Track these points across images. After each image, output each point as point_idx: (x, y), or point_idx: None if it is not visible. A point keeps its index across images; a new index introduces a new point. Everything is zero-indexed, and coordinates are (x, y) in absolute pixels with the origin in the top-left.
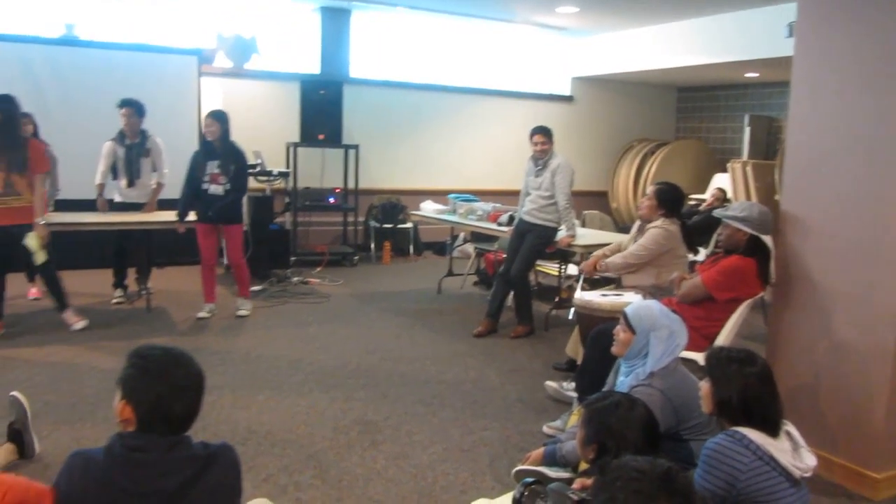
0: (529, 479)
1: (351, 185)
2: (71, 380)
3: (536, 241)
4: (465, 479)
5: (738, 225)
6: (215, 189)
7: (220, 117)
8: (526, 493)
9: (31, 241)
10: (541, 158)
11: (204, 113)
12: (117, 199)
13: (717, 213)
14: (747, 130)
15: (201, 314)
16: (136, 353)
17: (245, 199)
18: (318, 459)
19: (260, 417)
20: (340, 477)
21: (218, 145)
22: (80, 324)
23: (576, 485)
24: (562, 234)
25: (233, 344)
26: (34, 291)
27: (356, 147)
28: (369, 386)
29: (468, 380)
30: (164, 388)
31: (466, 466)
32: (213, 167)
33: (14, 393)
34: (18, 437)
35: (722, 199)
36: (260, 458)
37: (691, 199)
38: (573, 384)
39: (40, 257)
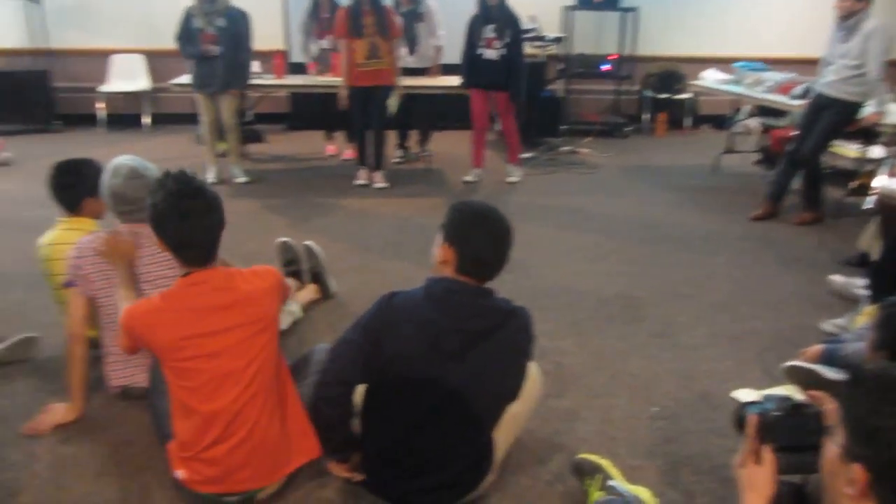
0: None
1: (627, 51)
2: (360, 229)
3: (836, 117)
4: (730, 367)
5: None
6: (490, 54)
7: None
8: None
9: (392, 101)
10: (848, 19)
11: None
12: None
13: None
14: None
15: (467, 178)
16: (460, 203)
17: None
18: (580, 328)
19: (526, 282)
20: (600, 348)
21: (495, 9)
22: (382, 184)
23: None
24: (868, 110)
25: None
26: (331, 149)
27: (635, 10)
28: (634, 261)
29: (742, 265)
30: (486, 235)
31: (732, 354)
32: (488, 31)
33: (307, 242)
34: (319, 278)
35: None
36: None
37: None
38: (864, 281)
39: (394, 109)
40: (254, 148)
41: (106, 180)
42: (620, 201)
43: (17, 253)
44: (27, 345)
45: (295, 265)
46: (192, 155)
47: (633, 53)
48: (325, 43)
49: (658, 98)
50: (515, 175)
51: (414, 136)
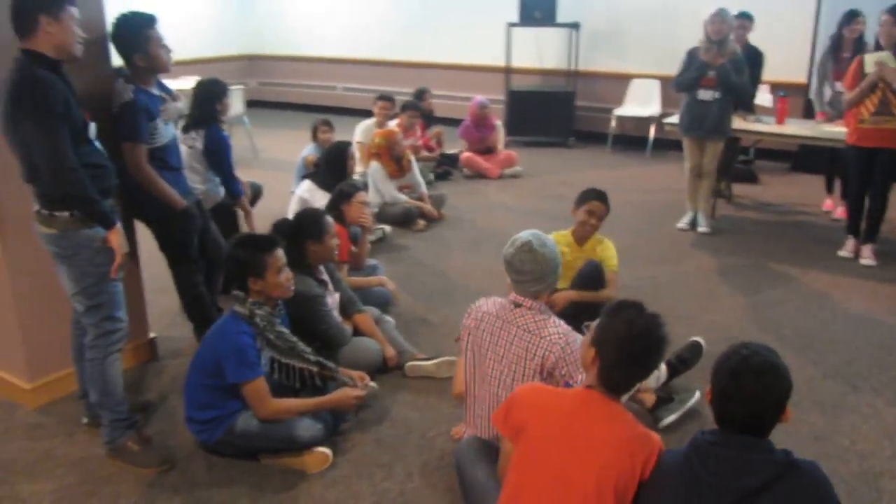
0: None
1: None
2: (815, 320)
3: None
4: None
5: None
6: None
7: None
8: None
9: None
10: None
11: None
12: None
13: None
14: None
15: None
16: (738, 349)
17: None
18: None
19: None
20: None
21: None
22: (870, 261)
23: None
24: None
25: None
26: (829, 204)
27: None
28: None
29: None
30: (731, 386)
31: None
32: None
33: (697, 339)
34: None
35: None
36: None
37: None
38: None
39: None
40: (743, 189)
41: (504, 249)
42: None
43: (485, 269)
44: (452, 366)
45: (684, 366)
46: (677, 189)
47: None
48: (840, 86)
49: None
50: None
51: None
